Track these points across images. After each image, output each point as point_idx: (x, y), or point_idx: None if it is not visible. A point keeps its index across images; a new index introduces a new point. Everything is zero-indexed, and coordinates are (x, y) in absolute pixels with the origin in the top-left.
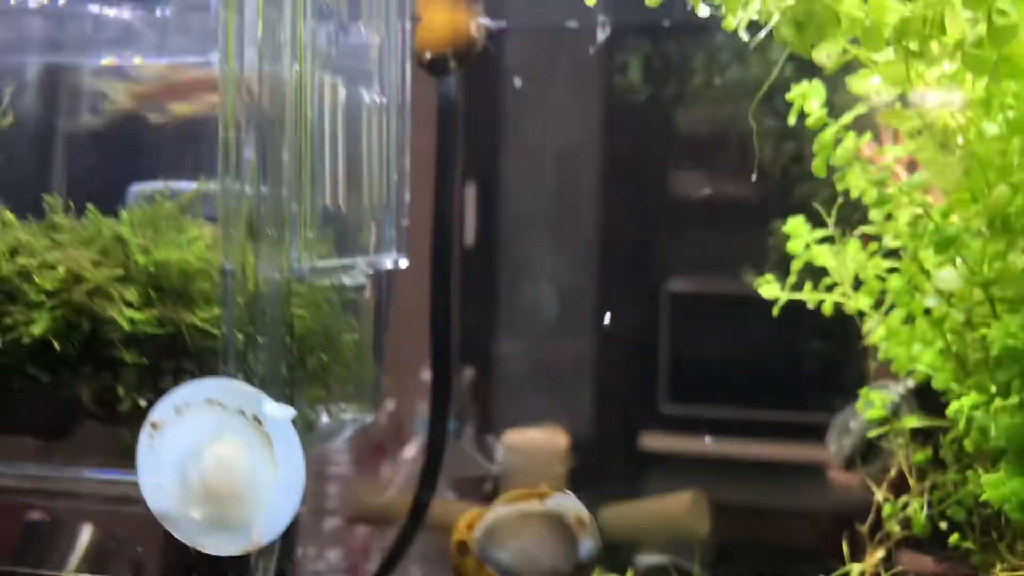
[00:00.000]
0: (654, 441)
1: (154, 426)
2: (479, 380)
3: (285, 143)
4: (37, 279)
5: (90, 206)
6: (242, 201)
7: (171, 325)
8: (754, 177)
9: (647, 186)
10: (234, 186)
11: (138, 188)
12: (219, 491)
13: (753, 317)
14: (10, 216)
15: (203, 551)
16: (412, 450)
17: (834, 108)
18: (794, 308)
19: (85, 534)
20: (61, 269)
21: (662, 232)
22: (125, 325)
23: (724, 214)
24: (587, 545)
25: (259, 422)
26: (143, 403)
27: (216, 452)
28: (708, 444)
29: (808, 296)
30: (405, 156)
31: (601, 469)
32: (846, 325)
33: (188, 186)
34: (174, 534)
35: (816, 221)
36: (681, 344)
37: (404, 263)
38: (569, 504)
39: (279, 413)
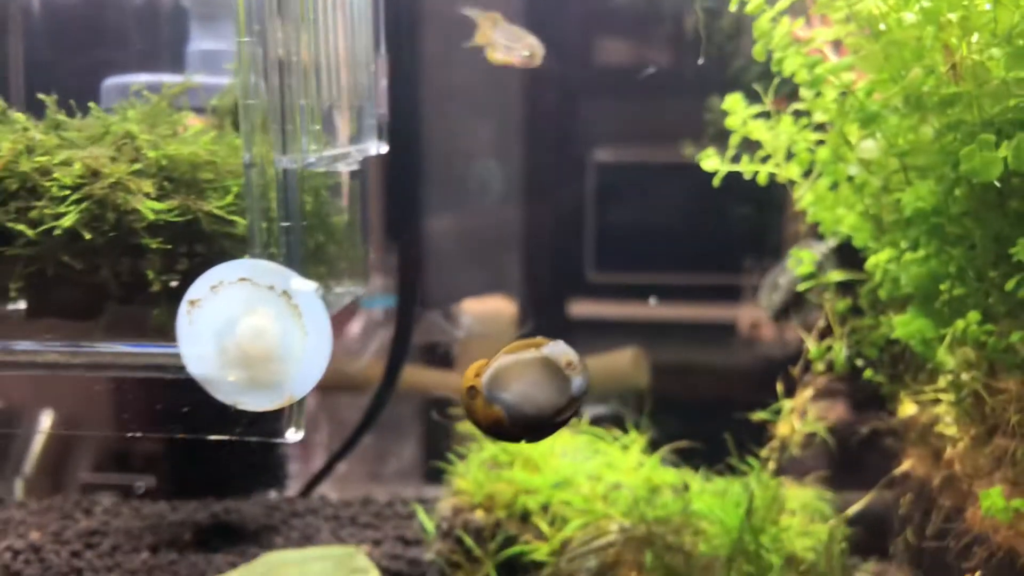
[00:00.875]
0: (582, 308)
1: (192, 303)
2: (410, 255)
3: (297, 44)
4: (57, 175)
5: (93, 104)
6: (259, 100)
7: (188, 213)
8: (701, 60)
9: (573, 56)
10: (252, 85)
11: (112, 82)
12: (255, 356)
13: (676, 185)
14: (21, 116)
15: (242, 408)
16: (356, 326)
17: None
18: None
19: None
20: (78, 165)
21: (588, 103)
22: (149, 215)
23: (648, 85)
24: (577, 382)
25: (288, 296)
26: (173, 284)
27: (250, 323)
28: (649, 306)
29: (744, 167)
30: (381, 46)
31: (534, 335)
32: (765, 192)
33: (158, 79)
34: (215, 396)
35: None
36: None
37: (384, 148)
38: (561, 350)
39: (305, 287)
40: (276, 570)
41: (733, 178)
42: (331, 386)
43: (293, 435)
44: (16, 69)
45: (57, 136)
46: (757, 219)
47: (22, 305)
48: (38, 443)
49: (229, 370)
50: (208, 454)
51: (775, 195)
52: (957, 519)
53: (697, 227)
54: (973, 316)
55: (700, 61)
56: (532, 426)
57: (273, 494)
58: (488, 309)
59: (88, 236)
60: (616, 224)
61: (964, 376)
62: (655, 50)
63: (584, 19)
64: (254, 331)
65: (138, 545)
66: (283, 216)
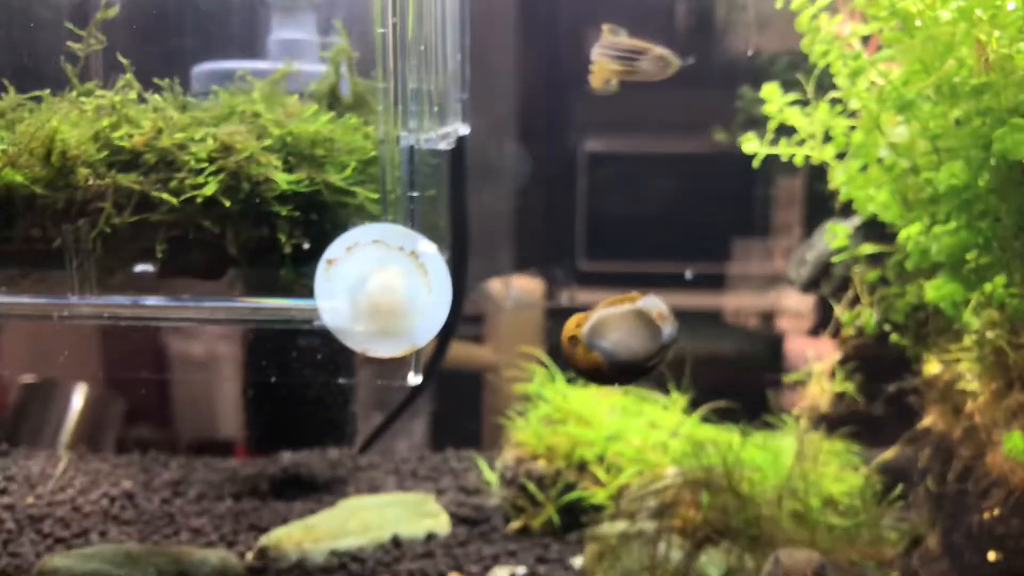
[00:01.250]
0: (574, 297)
1: (329, 262)
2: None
3: (420, 34)
4: (194, 150)
5: (217, 88)
6: (391, 84)
7: (313, 184)
8: (750, 53)
9: (566, 45)
10: (386, 70)
11: (201, 68)
12: (384, 309)
13: (667, 176)
14: (157, 97)
15: (374, 355)
16: None
17: None
18: (706, 168)
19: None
20: (211, 141)
21: (580, 92)
22: (283, 185)
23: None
24: (667, 331)
25: (416, 256)
26: (305, 245)
27: (381, 280)
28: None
29: (782, 150)
30: (467, 36)
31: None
32: (746, 178)
33: (249, 66)
34: (347, 344)
35: None
36: (598, 202)
37: (468, 129)
38: (653, 303)
39: (430, 248)
40: (357, 513)
41: (726, 172)
42: None
43: (413, 379)
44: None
45: (189, 116)
46: (746, 209)
47: (148, 268)
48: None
49: (360, 321)
50: (274, 411)
51: (765, 185)
52: (976, 467)
53: (687, 217)
54: (999, 280)
55: (750, 53)
56: (627, 370)
57: (334, 451)
58: (526, 285)
59: (227, 203)
60: (607, 214)
61: (988, 334)
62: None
63: (577, 6)
64: (384, 287)
65: (221, 494)
66: (409, 187)
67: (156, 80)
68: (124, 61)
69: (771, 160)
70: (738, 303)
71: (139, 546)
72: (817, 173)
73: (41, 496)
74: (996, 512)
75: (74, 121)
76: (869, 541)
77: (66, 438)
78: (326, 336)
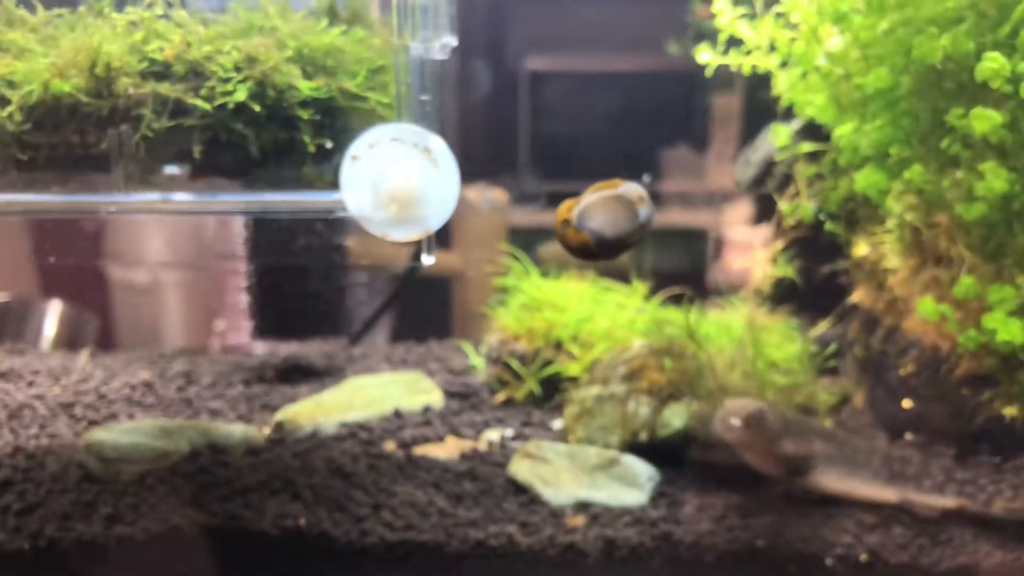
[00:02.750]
0: (519, 217)
1: (353, 158)
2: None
3: None
4: (221, 61)
5: (232, 4)
6: (405, 3)
7: (330, 91)
8: None
9: None
10: None
11: None
12: (401, 199)
13: (609, 93)
14: (183, 14)
15: (392, 239)
16: None
17: None
18: (643, 85)
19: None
20: (236, 53)
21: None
22: (306, 91)
23: None
24: (644, 212)
25: (428, 151)
26: (328, 145)
27: (399, 173)
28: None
29: (731, 60)
30: None
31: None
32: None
33: None
34: (369, 230)
35: None
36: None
37: (456, 41)
38: (633, 188)
39: (441, 144)
40: (360, 391)
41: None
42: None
43: (427, 259)
44: None
45: (213, 30)
46: (685, 129)
47: (176, 170)
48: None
49: (381, 210)
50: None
51: (700, 104)
52: (895, 332)
53: (627, 135)
54: (917, 169)
55: None
56: (611, 246)
57: (328, 343)
58: (497, 193)
59: (257, 108)
60: (550, 133)
61: (907, 217)
62: None
63: None
64: (402, 179)
65: (232, 380)
66: (421, 90)
67: None
68: None
69: (714, 76)
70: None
71: (171, 422)
72: (757, 85)
73: (66, 387)
74: (911, 368)
75: (108, 36)
76: (806, 396)
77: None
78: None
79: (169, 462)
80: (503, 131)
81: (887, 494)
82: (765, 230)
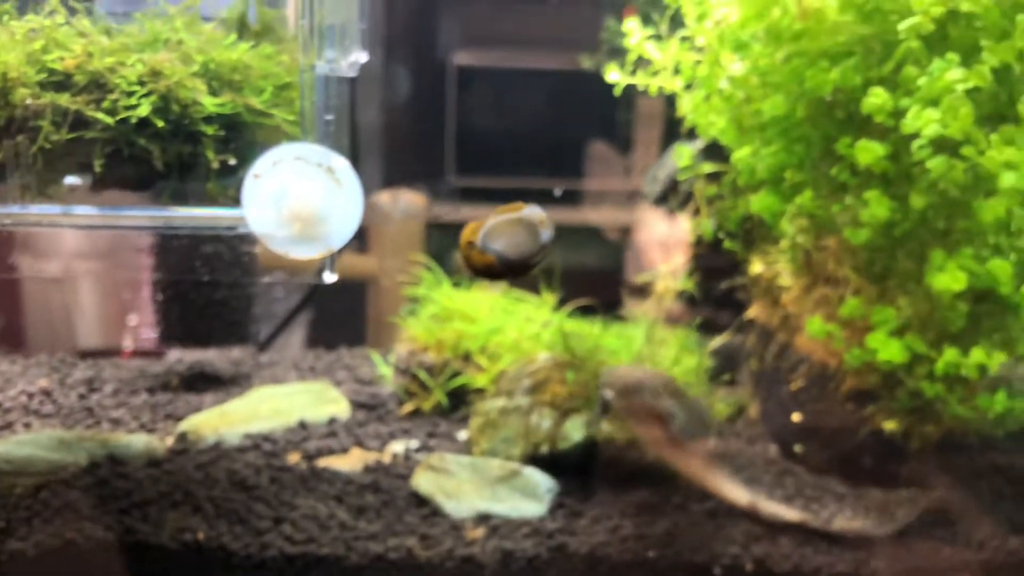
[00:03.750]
0: (446, 212)
1: (255, 176)
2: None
3: None
4: (124, 73)
5: (138, 15)
6: (308, 23)
7: (235, 107)
8: None
9: None
10: (304, 7)
11: None
12: (304, 217)
13: (535, 90)
14: (87, 23)
15: (293, 257)
16: None
17: None
18: (570, 86)
19: None
20: (140, 66)
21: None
22: (210, 107)
23: None
24: (546, 235)
25: (332, 171)
26: (232, 161)
27: (301, 191)
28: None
29: (640, 80)
30: None
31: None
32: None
33: None
34: (270, 247)
35: None
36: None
37: (366, 57)
38: (535, 211)
39: (344, 164)
40: (266, 401)
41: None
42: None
43: (329, 277)
44: None
45: (117, 41)
46: (608, 129)
47: (77, 181)
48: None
49: (283, 228)
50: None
51: (628, 104)
52: (788, 348)
53: (556, 133)
54: (807, 194)
55: None
56: (514, 267)
57: (236, 350)
58: (412, 198)
59: (160, 123)
60: (477, 129)
61: (799, 239)
62: None
63: None
64: (304, 197)
65: (135, 389)
66: (325, 111)
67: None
68: None
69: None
70: (600, 216)
71: (69, 432)
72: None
73: None
74: (800, 383)
75: (6, 45)
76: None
77: None
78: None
79: (66, 474)
80: (430, 127)
81: (740, 494)
82: (682, 230)
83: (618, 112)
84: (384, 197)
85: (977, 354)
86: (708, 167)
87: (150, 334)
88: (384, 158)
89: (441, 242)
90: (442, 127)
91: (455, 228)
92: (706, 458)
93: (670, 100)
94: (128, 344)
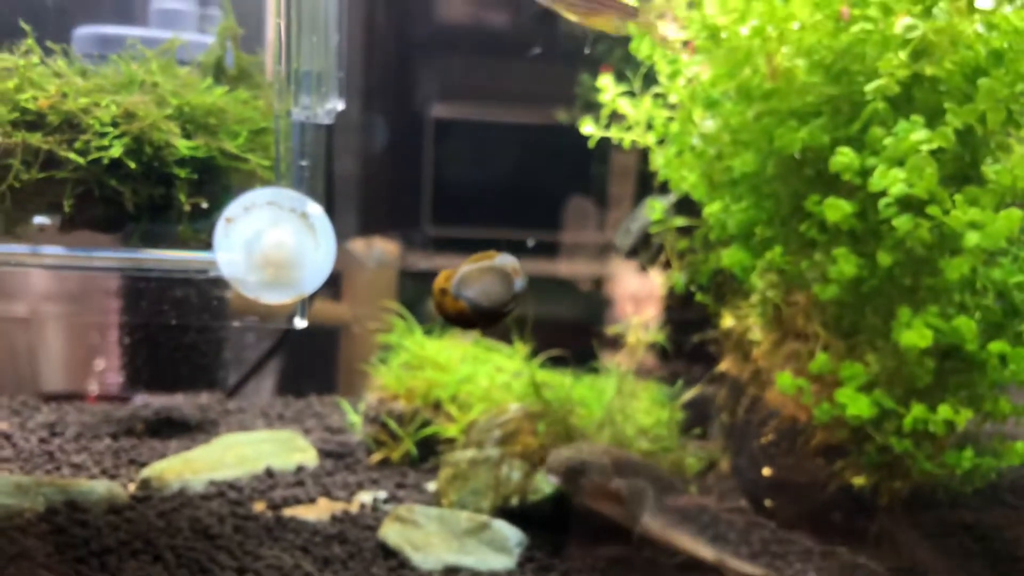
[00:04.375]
0: (420, 261)
1: (228, 220)
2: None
3: (311, 25)
4: (98, 114)
5: (115, 56)
6: (284, 69)
7: (209, 150)
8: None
9: (413, 13)
10: (280, 54)
11: (84, 31)
12: (276, 262)
13: (510, 143)
14: (62, 63)
15: (264, 302)
16: None
17: None
18: (545, 136)
19: None
20: (114, 107)
21: (427, 59)
22: (184, 151)
23: (490, 43)
24: (519, 283)
25: (305, 216)
26: (204, 205)
27: (275, 236)
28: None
29: (614, 134)
30: (344, 16)
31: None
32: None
33: (131, 32)
34: (242, 292)
35: None
36: (444, 168)
37: (343, 105)
38: (508, 260)
39: (318, 210)
40: (232, 448)
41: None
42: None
43: (300, 322)
44: None
45: (92, 82)
46: (581, 182)
47: (46, 221)
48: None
49: (254, 272)
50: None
51: (602, 158)
52: (758, 402)
53: (529, 185)
54: (777, 250)
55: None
56: (487, 315)
57: (204, 395)
58: (386, 246)
59: (132, 165)
60: (453, 180)
61: (769, 294)
62: (495, 10)
63: None
64: (277, 243)
65: (98, 433)
66: (300, 156)
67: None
68: (26, 27)
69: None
70: (573, 268)
71: (27, 477)
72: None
73: None
74: (771, 437)
75: None
76: (672, 462)
77: None
78: (201, 286)
79: (22, 520)
80: (407, 177)
81: (706, 552)
82: (654, 283)
83: (592, 166)
84: (358, 244)
85: (944, 410)
86: (679, 221)
87: (116, 378)
88: (359, 206)
89: (414, 290)
90: (418, 177)
91: (428, 277)
92: (669, 521)
93: (643, 155)
94: (93, 388)
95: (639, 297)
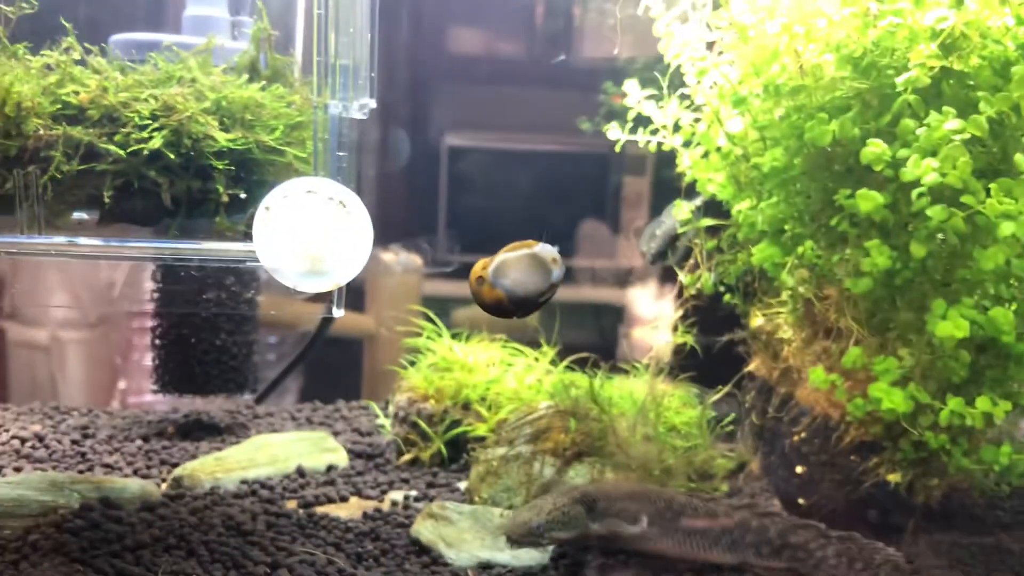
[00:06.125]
0: (433, 284)
1: (267, 209)
2: None
3: (349, 18)
4: (138, 108)
5: (155, 55)
6: (326, 63)
7: (247, 143)
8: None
9: (428, 41)
10: (321, 47)
11: (119, 38)
12: (314, 251)
13: (524, 170)
14: (102, 61)
15: (302, 290)
16: None
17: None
18: (557, 164)
19: None
20: (153, 101)
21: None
22: (223, 142)
23: (501, 73)
24: (556, 273)
25: (343, 205)
26: (242, 195)
27: (312, 224)
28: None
29: (639, 137)
30: (376, 16)
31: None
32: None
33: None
34: (281, 281)
35: None
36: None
37: (374, 103)
38: (547, 249)
39: (356, 199)
40: (264, 448)
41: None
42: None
43: (337, 312)
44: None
45: (131, 78)
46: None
47: (83, 216)
48: None
49: (292, 261)
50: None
51: (612, 184)
52: (789, 401)
53: (540, 210)
54: (808, 245)
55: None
56: (523, 304)
57: (234, 399)
58: (411, 256)
59: (172, 156)
60: (467, 206)
61: (800, 290)
62: (509, 41)
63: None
64: (314, 231)
65: (130, 435)
66: (338, 147)
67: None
68: (67, 25)
69: (622, 158)
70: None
71: (62, 474)
72: (663, 166)
73: None
74: (803, 435)
75: (21, 77)
76: (703, 460)
77: None
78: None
79: (57, 517)
80: (423, 200)
81: (726, 557)
82: (670, 305)
83: (606, 191)
84: (387, 253)
85: (982, 403)
86: (707, 221)
87: (147, 383)
88: (379, 224)
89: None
90: (435, 200)
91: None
92: (685, 544)
93: (656, 182)
94: (124, 392)
95: (659, 312)
